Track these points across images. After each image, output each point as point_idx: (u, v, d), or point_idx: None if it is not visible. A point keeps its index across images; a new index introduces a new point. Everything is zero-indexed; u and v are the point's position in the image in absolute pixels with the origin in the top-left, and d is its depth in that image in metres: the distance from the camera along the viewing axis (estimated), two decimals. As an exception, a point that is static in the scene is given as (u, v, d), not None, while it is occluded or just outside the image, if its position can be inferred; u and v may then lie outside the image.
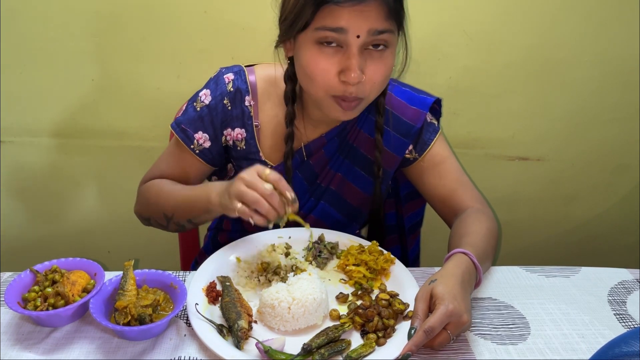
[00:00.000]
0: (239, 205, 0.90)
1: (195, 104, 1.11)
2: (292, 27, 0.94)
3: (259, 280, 0.98)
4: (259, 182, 0.89)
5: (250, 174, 0.91)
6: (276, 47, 1.01)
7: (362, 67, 0.92)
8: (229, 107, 1.10)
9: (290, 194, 0.91)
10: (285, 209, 0.92)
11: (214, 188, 0.99)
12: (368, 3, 0.88)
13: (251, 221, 0.91)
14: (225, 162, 1.19)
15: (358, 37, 0.90)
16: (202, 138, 1.10)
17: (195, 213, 1.04)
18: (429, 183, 1.15)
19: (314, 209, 1.17)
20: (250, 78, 1.11)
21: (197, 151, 1.11)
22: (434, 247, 1.37)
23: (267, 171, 0.91)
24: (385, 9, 0.90)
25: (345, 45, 0.91)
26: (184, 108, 1.13)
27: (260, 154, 1.13)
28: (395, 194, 1.30)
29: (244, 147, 1.13)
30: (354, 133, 1.13)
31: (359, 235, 1.27)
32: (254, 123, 1.11)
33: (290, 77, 1.05)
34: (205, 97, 1.10)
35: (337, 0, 0.87)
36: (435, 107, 1.18)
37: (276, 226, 0.96)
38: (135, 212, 1.18)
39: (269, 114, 1.12)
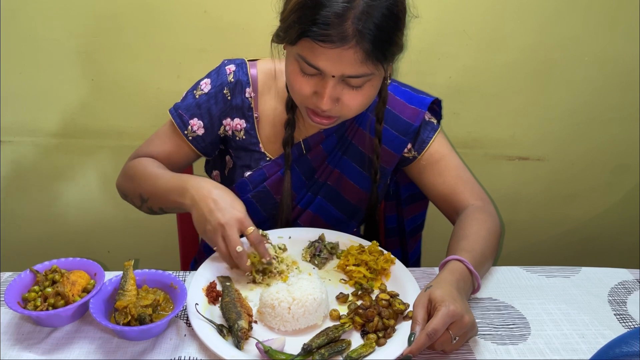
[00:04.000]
0: (215, 248, 0.96)
1: (195, 91, 1.13)
2: (282, 36, 0.95)
3: (253, 280, 0.98)
4: (235, 242, 0.93)
5: (232, 229, 0.93)
6: (272, 42, 1.02)
7: (338, 95, 0.94)
8: (229, 97, 1.11)
9: (265, 260, 0.96)
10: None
11: (191, 186, 0.99)
12: (344, 49, 0.87)
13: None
14: (221, 153, 1.20)
15: (333, 76, 0.91)
16: (196, 125, 1.12)
17: (168, 205, 1.05)
18: (429, 181, 1.15)
19: (311, 203, 1.17)
20: (252, 71, 1.12)
21: (190, 137, 1.13)
22: (435, 248, 1.37)
23: (250, 229, 0.94)
24: (362, 55, 0.88)
25: (322, 74, 0.92)
26: (184, 95, 1.14)
27: (260, 145, 1.14)
28: (396, 197, 1.30)
29: (244, 138, 1.14)
30: (353, 130, 1.14)
31: (357, 233, 1.28)
32: (254, 114, 1.12)
33: None
34: (205, 85, 1.12)
35: (315, 39, 0.87)
36: (435, 107, 1.18)
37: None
38: (116, 185, 1.18)
39: (268, 106, 1.13)
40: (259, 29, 1.02)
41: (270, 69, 1.13)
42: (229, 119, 1.13)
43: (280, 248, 1.04)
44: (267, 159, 1.14)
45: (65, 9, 1.35)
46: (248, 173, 1.15)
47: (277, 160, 1.13)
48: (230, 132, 1.14)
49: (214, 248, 0.96)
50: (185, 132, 1.12)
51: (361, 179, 1.16)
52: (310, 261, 1.05)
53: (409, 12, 0.95)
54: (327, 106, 0.94)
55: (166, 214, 1.10)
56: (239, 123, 1.13)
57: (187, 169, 1.35)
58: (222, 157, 1.21)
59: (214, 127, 1.13)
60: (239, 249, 0.93)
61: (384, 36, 0.89)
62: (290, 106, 1.09)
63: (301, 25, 0.88)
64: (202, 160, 1.27)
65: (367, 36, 0.87)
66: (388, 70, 1.00)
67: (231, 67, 1.12)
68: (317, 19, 0.86)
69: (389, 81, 1.07)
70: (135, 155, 1.17)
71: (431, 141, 1.14)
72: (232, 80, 1.11)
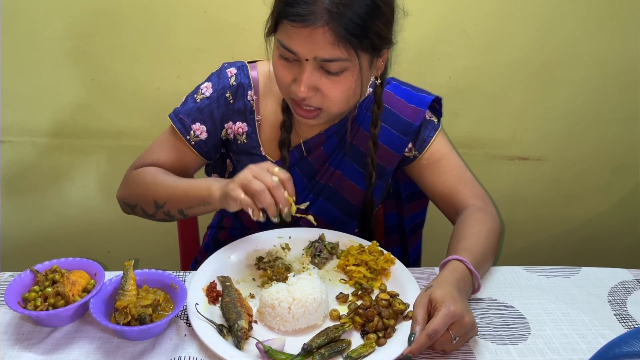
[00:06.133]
0: (242, 195, 0.90)
1: (195, 95, 1.12)
2: (268, 27, 0.97)
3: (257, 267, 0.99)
4: (267, 174, 0.91)
5: (259, 165, 0.93)
6: (266, 37, 1.02)
7: (316, 83, 0.94)
8: (231, 101, 1.11)
9: (292, 198, 0.92)
10: (289, 206, 0.92)
11: (216, 181, 1.00)
12: (314, 28, 0.88)
13: (250, 214, 0.91)
14: (222, 156, 1.20)
15: (307, 60, 0.92)
16: (199, 129, 1.11)
17: (191, 203, 1.02)
18: (430, 180, 1.15)
19: (313, 205, 1.17)
20: (252, 74, 1.12)
21: (193, 142, 1.12)
22: (436, 247, 1.37)
23: (277, 169, 0.93)
24: (333, 37, 0.88)
25: (299, 59, 0.93)
26: (183, 100, 1.13)
27: (261, 148, 1.14)
28: (396, 195, 1.30)
29: (245, 141, 1.13)
30: (353, 130, 1.14)
31: (357, 233, 1.27)
32: (256, 118, 1.12)
33: None
34: (207, 89, 1.11)
35: (288, 19, 0.89)
36: (435, 105, 1.18)
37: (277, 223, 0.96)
38: (118, 198, 1.14)
39: (269, 109, 1.13)
40: (259, 29, 1.02)
41: (269, 70, 1.12)
42: (230, 123, 1.13)
43: (283, 248, 1.05)
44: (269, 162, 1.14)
45: (65, 8, 1.35)
46: None
47: (279, 163, 1.13)
48: (232, 136, 1.14)
49: (241, 195, 0.90)
50: (188, 137, 1.11)
51: (362, 180, 1.16)
52: (310, 261, 1.05)
53: (399, 8, 0.95)
54: (304, 93, 0.94)
55: (185, 218, 1.07)
56: (240, 127, 1.13)
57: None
58: (223, 160, 1.21)
59: (217, 131, 1.12)
60: (274, 178, 0.90)
61: (358, 21, 0.88)
62: (286, 108, 1.09)
63: (277, 8, 0.91)
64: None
65: (338, 17, 0.87)
66: (374, 64, 0.98)
67: (232, 70, 1.12)
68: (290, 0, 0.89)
69: (379, 81, 1.06)
70: (137, 165, 1.14)
71: (432, 140, 1.14)
72: (234, 83, 1.11)
